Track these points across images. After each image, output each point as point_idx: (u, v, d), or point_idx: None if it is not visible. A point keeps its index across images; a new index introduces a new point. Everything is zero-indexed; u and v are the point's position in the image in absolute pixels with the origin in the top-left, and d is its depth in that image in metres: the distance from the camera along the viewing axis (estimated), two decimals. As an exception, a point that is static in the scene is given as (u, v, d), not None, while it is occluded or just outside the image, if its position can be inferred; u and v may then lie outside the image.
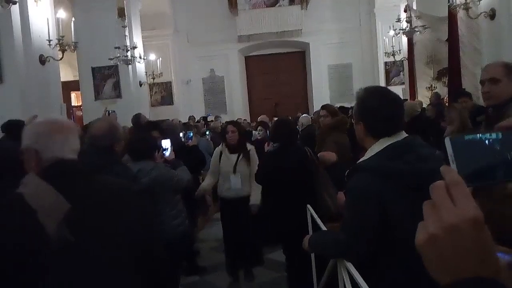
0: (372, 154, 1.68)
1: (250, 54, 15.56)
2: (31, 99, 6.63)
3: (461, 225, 0.54)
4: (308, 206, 2.77)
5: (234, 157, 4.10)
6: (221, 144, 4.29)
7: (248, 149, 4.13)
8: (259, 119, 7.22)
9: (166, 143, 3.47)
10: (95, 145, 2.46)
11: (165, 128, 4.51)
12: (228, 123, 4.34)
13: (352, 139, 3.48)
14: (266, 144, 4.45)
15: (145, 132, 3.96)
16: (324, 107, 4.42)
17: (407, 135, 1.72)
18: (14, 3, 5.59)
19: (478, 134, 0.65)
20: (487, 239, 0.55)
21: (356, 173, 1.68)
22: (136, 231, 1.55)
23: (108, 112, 5.17)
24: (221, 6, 14.57)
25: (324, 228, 2.27)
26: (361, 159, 1.74)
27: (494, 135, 0.65)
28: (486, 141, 0.64)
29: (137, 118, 5.49)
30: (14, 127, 4.24)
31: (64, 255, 1.31)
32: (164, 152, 3.43)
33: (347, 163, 3.17)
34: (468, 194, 0.56)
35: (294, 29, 14.53)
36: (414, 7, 10.29)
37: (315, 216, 2.52)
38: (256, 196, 3.98)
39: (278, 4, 14.72)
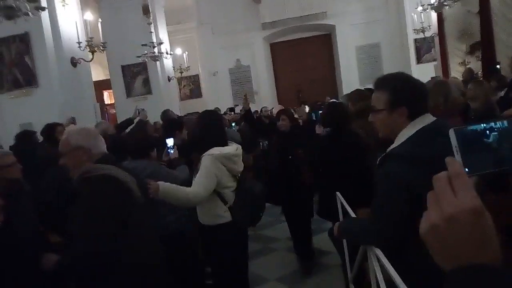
0: (404, 139, 1.66)
1: (275, 41, 15.45)
2: (66, 101, 6.88)
3: (460, 215, 0.56)
4: (338, 193, 2.77)
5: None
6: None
7: (210, 154, 2.75)
8: (276, 108, 6.44)
9: (170, 142, 3.49)
10: None
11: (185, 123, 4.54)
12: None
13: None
14: (317, 126, 4.22)
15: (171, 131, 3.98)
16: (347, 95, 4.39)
17: (434, 118, 1.69)
18: (43, 9, 5.78)
19: (482, 124, 0.65)
20: (487, 228, 0.57)
21: (388, 160, 1.66)
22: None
23: (138, 110, 5.31)
24: (243, -5, 14.53)
25: (353, 214, 2.28)
26: (392, 146, 1.71)
27: (499, 124, 0.65)
28: (491, 131, 0.64)
29: (165, 114, 5.61)
30: (51, 131, 4.41)
31: (142, 210, 1.98)
32: (168, 151, 3.47)
33: (377, 149, 3.13)
34: (468, 185, 0.58)
35: (319, 11, 14.29)
36: (442, -20, 9.90)
37: (345, 203, 2.53)
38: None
39: (301, -13, 14.52)
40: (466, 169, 0.63)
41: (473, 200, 0.56)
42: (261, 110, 10.31)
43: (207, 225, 2.83)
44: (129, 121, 5.27)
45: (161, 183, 2.50)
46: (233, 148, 2.87)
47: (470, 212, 0.56)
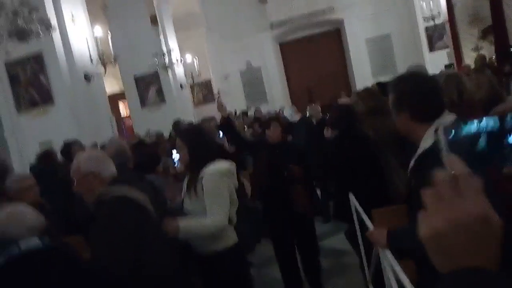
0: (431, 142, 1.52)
1: (284, 40, 15.41)
2: (82, 116, 7.03)
3: (470, 222, 0.53)
4: (350, 194, 2.77)
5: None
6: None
7: (210, 172, 2.39)
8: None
9: (176, 156, 3.62)
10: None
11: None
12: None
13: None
14: (325, 129, 4.25)
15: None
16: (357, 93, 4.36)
17: (453, 117, 1.61)
18: (54, 29, 5.92)
19: (472, 121, 0.63)
20: (494, 235, 0.54)
21: (426, 161, 1.51)
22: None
23: (149, 135, 5.49)
24: (249, -4, 14.56)
25: (366, 216, 2.27)
26: (422, 146, 1.58)
27: (491, 122, 0.63)
28: (481, 129, 0.62)
29: (176, 125, 5.66)
30: (68, 150, 4.50)
31: (156, 225, 2.06)
32: (175, 164, 3.59)
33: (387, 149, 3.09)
34: (477, 188, 0.54)
35: (326, 7, 14.21)
36: (450, -35, 9.76)
37: (357, 204, 2.53)
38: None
39: (306, -16, 14.46)
40: None
41: (483, 207, 0.53)
42: (279, 112, 10.14)
43: (214, 251, 2.39)
44: (141, 142, 5.40)
45: (180, 222, 2.26)
46: (228, 163, 2.53)
47: (480, 220, 0.53)
